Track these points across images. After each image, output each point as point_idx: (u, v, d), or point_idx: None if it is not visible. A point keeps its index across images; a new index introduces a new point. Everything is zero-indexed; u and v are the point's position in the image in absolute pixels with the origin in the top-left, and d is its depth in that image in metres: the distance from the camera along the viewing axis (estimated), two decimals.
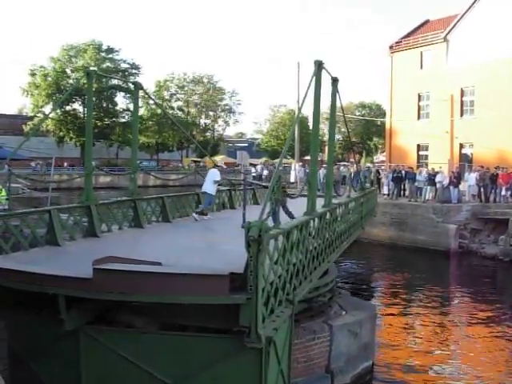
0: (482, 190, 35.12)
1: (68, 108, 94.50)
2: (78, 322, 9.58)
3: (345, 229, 17.28)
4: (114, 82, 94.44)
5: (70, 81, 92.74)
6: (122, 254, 11.16)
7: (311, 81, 12.38)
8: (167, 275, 9.00)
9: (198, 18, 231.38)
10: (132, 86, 18.49)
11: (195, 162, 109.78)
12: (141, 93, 18.55)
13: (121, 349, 9.46)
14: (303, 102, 12.34)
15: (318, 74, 12.23)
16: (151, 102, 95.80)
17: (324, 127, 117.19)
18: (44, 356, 10.23)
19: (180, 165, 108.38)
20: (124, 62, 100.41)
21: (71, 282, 9.14)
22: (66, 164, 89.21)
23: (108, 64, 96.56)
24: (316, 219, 12.84)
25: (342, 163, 78.24)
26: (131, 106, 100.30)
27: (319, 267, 12.95)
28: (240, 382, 9.16)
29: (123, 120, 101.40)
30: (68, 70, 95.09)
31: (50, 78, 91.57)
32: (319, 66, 12.13)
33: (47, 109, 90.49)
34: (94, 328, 9.74)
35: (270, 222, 11.11)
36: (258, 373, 8.94)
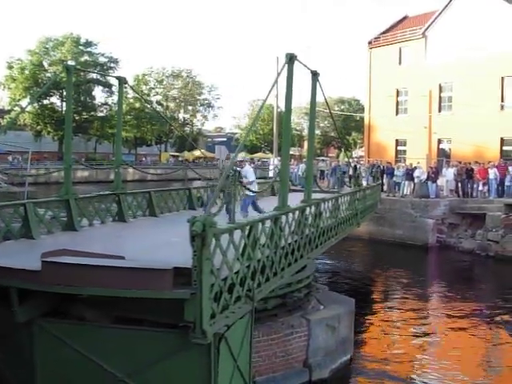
0: (459, 185, 35.32)
1: (46, 102, 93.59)
2: (31, 314, 9.49)
3: (333, 225, 17.23)
4: (93, 75, 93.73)
5: (48, 74, 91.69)
6: (95, 247, 11.18)
7: (279, 75, 12.33)
8: (112, 269, 8.88)
9: (176, 12, 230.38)
10: (112, 80, 18.35)
11: (174, 156, 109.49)
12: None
13: (73, 342, 9.41)
14: (268, 95, 12.33)
15: (289, 68, 12.15)
16: (129, 96, 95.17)
17: (303, 122, 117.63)
18: None
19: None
20: (102, 55, 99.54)
21: (22, 274, 9.09)
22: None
23: (86, 57, 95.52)
24: (290, 214, 12.80)
25: (320, 158, 78.48)
26: (110, 100, 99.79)
27: (295, 264, 12.90)
28: (189, 377, 9.13)
29: (101, 114, 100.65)
30: (45, 63, 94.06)
31: (27, 71, 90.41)
32: (291, 59, 12.05)
33: (24, 102, 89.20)
34: (47, 321, 9.66)
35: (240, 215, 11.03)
36: (207, 369, 8.91)
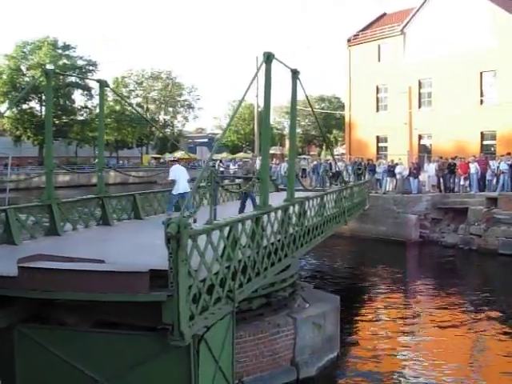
0: (441, 180, 35.48)
1: (25, 106, 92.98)
2: (9, 320, 9.44)
3: (318, 223, 17.22)
4: (72, 79, 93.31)
5: (26, 78, 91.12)
6: (77, 251, 11.12)
7: (256, 74, 12.28)
8: (88, 273, 8.85)
9: (154, 13, 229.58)
10: (91, 83, 18.24)
11: (155, 158, 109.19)
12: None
13: (53, 346, 9.35)
14: (244, 94, 12.26)
15: (267, 67, 12.11)
16: (110, 98, 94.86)
17: (284, 121, 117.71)
18: None
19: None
20: (81, 58, 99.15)
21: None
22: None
23: (65, 61, 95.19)
24: (272, 213, 12.79)
25: (302, 156, 78.50)
26: (89, 104, 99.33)
27: (278, 263, 12.88)
28: (170, 379, 9.07)
29: (81, 118, 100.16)
30: (23, 68, 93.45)
31: (4, 76, 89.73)
32: (268, 57, 12.01)
33: (3, 107, 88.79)
34: (27, 326, 9.60)
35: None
36: (187, 371, 8.85)
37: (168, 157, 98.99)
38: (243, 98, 12.85)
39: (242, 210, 17.35)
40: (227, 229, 10.09)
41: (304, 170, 44.47)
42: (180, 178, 18.61)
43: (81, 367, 9.23)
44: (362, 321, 19.33)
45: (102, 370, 9.18)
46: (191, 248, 8.40)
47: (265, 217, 12.14)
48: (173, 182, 18.64)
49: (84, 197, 17.59)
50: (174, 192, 18.43)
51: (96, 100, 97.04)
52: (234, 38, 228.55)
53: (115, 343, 9.15)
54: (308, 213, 15.83)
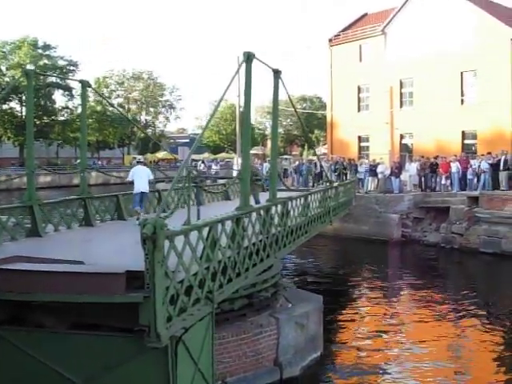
0: (422, 179, 35.64)
1: (5, 107, 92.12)
2: None
3: (302, 223, 17.21)
4: (52, 79, 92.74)
5: (6, 79, 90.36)
6: (58, 252, 11.02)
7: (236, 74, 12.24)
8: (65, 274, 8.78)
9: (134, 13, 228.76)
10: (72, 83, 18.10)
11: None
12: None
13: (30, 349, 9.25)
14: (223, 95, 12.23)
15: (248, 66, 12.07)
16: (91, 99, 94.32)
17: (266, 121, 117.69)
18: None
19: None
20: (61, 58, 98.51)
21: None
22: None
23: (45, 61, 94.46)
24: (254, 214, 12.76)
25: (284, 156, 78.58)
26: (70, 104, 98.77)
27: (260, 263, 12.86)
28: (148, 381, 9.01)
29: (62, 118, 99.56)
30: (3, 68, 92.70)
31: None
32: (248, 57, 11.98)
33: None
34: (3, 328, 9.48)
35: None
36: (165, 373, 8.80)
37: (145, 157, 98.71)
38: (222, 98, 12.79)
39: None
40: (206, 229, 10.05)
41: (286, 169, 44.48)
42: (138, 178, 18.50)
43: (58, 369, 9.13)
44: (345, 320, 19.35)
45: (80, 371, 9.09)
46: (168, 249, 8.36)
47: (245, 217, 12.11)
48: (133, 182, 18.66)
49: (66, 198, 17.45)
50: (134, 191, 18.43)
51: (77, 100, 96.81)
52: (215, 38, 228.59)
53: (93, 345, 9.07)
54: (291, 213, 15.82)
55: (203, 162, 48.75)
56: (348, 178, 36.12)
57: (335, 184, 25.19)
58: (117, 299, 8.41)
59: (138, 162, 21.80)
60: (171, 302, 8.45)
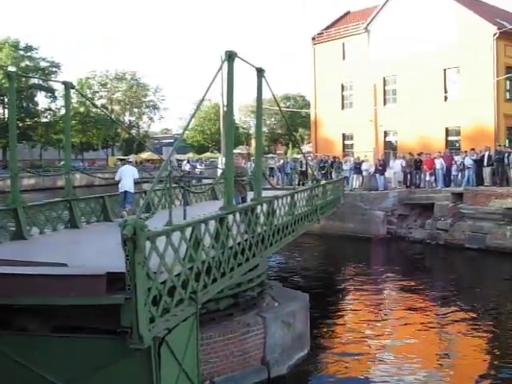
0: (407, 176, 35.75)
1: None
2: None
3: (289, 222, 17.18)
4: (34, 80, 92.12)
5: None
6: (43, 255, 10.98)
7: (217, 73, 12.14)
8: (44, 277, 8.74)
9: (116, 13, 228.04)
10: (55, 85, 17.95)
11: (121, 159, 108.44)
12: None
13: (13, 352, 9.20)
14: (205, 94, 12.14)
15: (230, 65, 12.01)
16: (74, 100, 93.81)
17: (250, 120, 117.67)
18: None
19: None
20: (43, 60, 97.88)
21: None
22: None
23: (27, 62, 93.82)
24: (238, 213, 12.72)
25: (269, 155, 78.61)
26: (53, 106, 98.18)
27: (246, 263, 12.84)
28: (131, 383, 8.99)
29: (45, 120, 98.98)
30: None
31: None
32: (230, 56, 11.92)
33: None
34: None
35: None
36: (149, 374, 8.77)
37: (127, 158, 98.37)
38: (203, 98, 12.73)
39: None
40: (189, 230, 10.01)
41: (271, 168, 44.47)
42: (124, 177, 18.79)
43: (42, 372, 9.07)
44: (332, 318, 19.36)
45: (63, 374, 9.04)
46: (149, 250, 8.33)
47: (229, 217, 12.07)
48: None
49: (51, 200, 17.33)
50: (120, 190, 18.55)
51: (59, 102, 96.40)
52: (199, 38, 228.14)
53: (76, 347, 9.02)
54: (277, 212, 15.80)
55: (189, 161, 48.49)
56: (333, 176, 36.20)
57: (322, 182, 25.19)
58: (98, 301, 8.37)
59: (127, 161, 21.82)
60: (154, 303, 8.42)
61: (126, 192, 18.49)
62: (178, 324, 9.36)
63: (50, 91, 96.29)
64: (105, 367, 8.84)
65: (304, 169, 37.94)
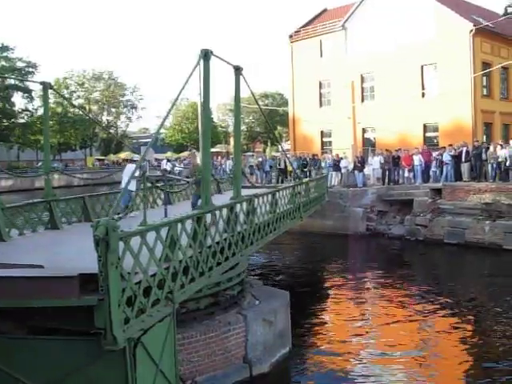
0: (386, 172, 35.89)
1: None
2: None
3: (270, 220, 17.13)
4: (11, 81, 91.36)
5: None
6: (21, 257, 10.88)
7: (192, 71, 12.04)
8: (16, 279, 8.68)
9: (93, 12, 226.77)
10: (32, 85, 17.73)
11: (99, 160, 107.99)
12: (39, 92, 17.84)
13: None
14: (179, 93, 12.02)
15: (205, 64, 11.92)
16: (51, 100, 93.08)
17: (229, 118, 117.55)
18: None
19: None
20: (20, 60, 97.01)
21: None
22: None
23: (3, 63, 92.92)
24: (217, 212, 12.68)
25: (249, 153, 78.61)
26: (30, 106, 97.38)
27: (225, 262, 12.80)
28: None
29: (22, 121, 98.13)
30: None
31: None
32: (206, 55, 11.81)
33: None
34: None
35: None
36: (124, 375, 8.72)
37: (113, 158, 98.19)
38: (178, 95, 12.61)
39: None
40: (165, 229, 9.97)
41: (251, 166, 44.42)
42: (124, 176, 18.92)
43: (17, 375, 9.00)
44: (313, 315, 19.37)
45: (40, 377, 8.98)
46: (123, 250, 8.28)
47: (207, 216, 12.01)
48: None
49: (31, 201, 17.14)
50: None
51: (36, 102, 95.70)
52: (177, 37, 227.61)
53: (52, 349, 8.95)
54: (258, 210, 15.76)
55: (169, 160, 48.19)
56: (312, 174, 36.23)
57: (305, 180, 25.19)
58: (70, 303, 8.30)
59: (132, 160, 21.93)
60: (128, 304, 8.37)
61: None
62: (154, 324, 9.32)
63: (27, 91, 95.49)
64: (81, 369, 8.79)
65: (283, 166, 37.98)
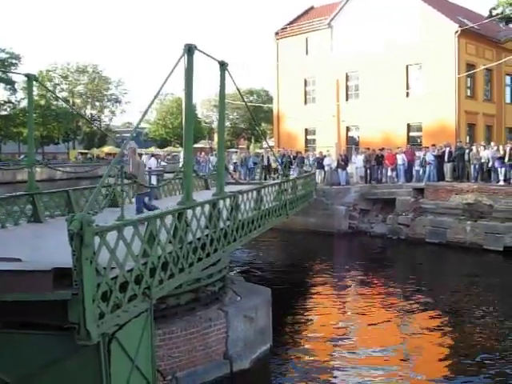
0: (368, 171, 36.00)
1: None
2: None
3: (254, 217, 17.08)
4: None
5: None
6: (2, 250, 10.72)
7: (175, 66, 11.89)
8: None
9: (76, 5, 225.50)
10: (14, 77, 17.55)
11: (82, 153, 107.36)
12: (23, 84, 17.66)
13: None
14: (161, 88, 11.86)
15: (189, 59, 11.83)
16: (34, 93, 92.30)
17: (213, 114, 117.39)
18: None
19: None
20: (3, 51, 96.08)
21: None
22: None
23: None
24: (198, 208, 12.65)
25: (233, 150, 78.55)
26: (13, 98, 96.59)
27: (207, 258, 12.75)
28: (82, 379, 8.87)
29: (5, 113, 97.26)
30: None
31: None
32: (189, 50, 11.71)
33: None
34: None
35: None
36: (98, 370, 8.67)
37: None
38: (160, 89, 12.45)
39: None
40: (144, 224, 9.93)
41: (235, 163, 44.36)
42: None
43: None
44: (294, 312, 19.39)
45: (13, 371, 8.93)
46: (98, 245, 8.23)
47: (188, 211, 11.95)
48: None
49: (13, 194, 16.99)
50: None
51: (19, 94, 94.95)
52: (162, 31, 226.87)
53: (26, 344, 8.89)
54: (242, 207, 15.73)
55: (153, 155, 48.08)
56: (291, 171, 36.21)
57: (292, 177, 25.17)
58: (44, 297, 8.24)
59: (152, 154, 21.76)
60: (104, 299, 8.31)
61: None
62: (130, 320, 9.26)
63: (10, 83, 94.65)
64: (55, 363, 8.74)
65: (267, 163, 37.97)
